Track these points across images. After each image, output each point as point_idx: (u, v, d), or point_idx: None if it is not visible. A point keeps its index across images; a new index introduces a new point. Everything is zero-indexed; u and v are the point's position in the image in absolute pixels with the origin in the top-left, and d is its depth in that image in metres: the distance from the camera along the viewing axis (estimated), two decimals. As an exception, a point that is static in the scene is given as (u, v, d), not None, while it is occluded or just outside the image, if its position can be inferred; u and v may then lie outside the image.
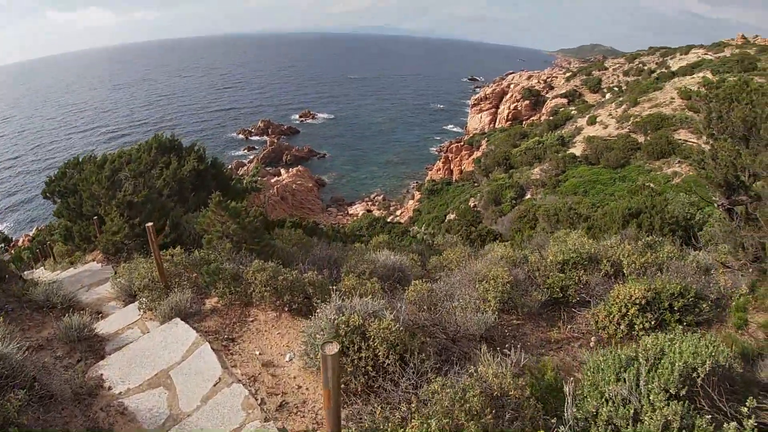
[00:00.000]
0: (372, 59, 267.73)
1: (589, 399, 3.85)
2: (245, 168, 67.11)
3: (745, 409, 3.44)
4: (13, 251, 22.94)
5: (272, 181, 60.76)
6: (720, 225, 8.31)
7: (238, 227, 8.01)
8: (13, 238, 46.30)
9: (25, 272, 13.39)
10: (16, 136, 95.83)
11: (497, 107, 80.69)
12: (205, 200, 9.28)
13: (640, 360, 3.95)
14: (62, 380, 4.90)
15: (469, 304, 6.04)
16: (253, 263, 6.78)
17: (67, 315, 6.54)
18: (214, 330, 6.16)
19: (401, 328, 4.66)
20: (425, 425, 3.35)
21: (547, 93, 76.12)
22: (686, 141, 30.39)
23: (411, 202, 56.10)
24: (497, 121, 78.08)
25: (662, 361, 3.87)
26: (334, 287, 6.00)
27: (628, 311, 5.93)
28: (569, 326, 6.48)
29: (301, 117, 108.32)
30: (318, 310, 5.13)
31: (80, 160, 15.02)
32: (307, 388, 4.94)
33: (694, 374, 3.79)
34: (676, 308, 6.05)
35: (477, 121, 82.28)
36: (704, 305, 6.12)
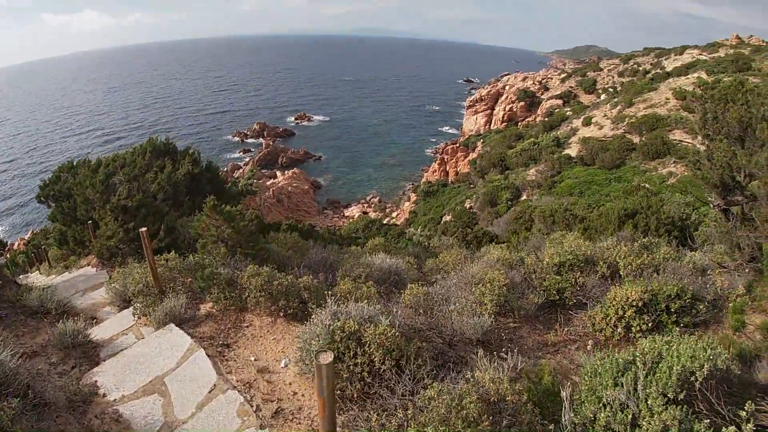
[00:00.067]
0: (367, 61, 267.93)
1: (586, 404, 3.82)
2: (241, 171, 66.98)
3: (744, 413, 3.42)
4: (8, 255, 22.80)
5: (268, 183, 60.66)
6: (716, 225, 8.31)
7: (232, 231, 7.97)
8: (9, 242, 46.13)
9: (21, 276, 13.31)
10: (11, 139, 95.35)
11: (492, 109, 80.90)
12: (200, 204, 9.22)
13: (638, 364, 3.92)
14: (56, 387, 4.85)
15: (466, 308, 6.02)
16: (248, 268, 6.74)
17: (61, 321, 6.47)
18: (209, 336, 6.11)
19: (397, 334, 4.63)
20: (422, 432, 3.32)
21: (542, 94, 76.38)
22: (681, 141, 30.50)
23: (407, 203, 56.07)
24: (493, 122, 78.27)
25: (660, 365, 3.85)
26: (330, 292, 5.96)
27: (624, 313, 5.92)
28: (566, 329, 6.46)
29: (296, 119, 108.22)
30: (313, 316, 5.09)
31: (74, 163, 14.92)
32: (302, 395, 4.90)
33: (692, 378, 3.76)
34: (673, 310, 6.04)
35: (472, 123, 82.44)
36: (701, 306, 6.11)
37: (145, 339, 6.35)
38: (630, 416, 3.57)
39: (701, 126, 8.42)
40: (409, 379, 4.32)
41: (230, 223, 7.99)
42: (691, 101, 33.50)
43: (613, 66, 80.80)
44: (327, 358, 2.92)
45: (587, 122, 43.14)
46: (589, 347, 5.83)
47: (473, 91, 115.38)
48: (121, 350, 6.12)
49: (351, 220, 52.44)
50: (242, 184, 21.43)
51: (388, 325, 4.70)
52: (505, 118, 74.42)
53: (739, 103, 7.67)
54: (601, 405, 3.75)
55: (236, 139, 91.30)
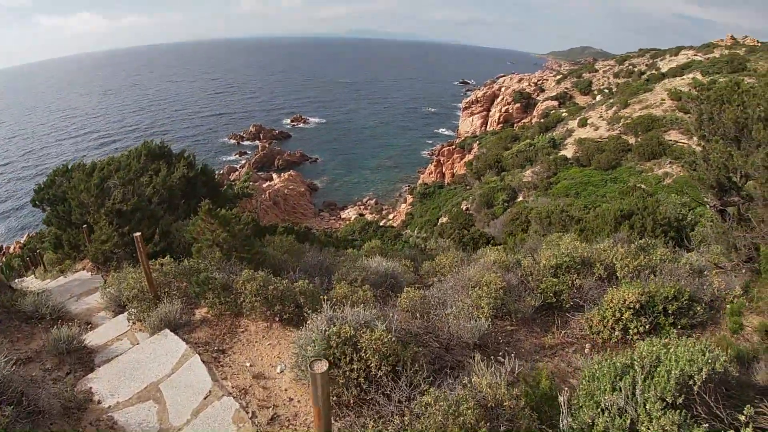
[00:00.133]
0: (363, 63, 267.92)
1: (584, 409, 3.79)
2: (237, 173, 66.85)
3: (743, 417, 3.39)
4: (4, 259, 22.68)
5: (264, 186, 60.55)
6: (712, 226, 8.32)
7: (228, 235, 7.92)
8: (4, 246, 45.94)
9: (16, 280, 13.24)
10: (7, 142, 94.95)
11: (488, 110, 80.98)
12: (195, 208, 9.18)
13: (636, 368, 3.90)
14: (51, 394, 4.81)
15: (462, 311, 5.99)
16: (243, 273, 6.69)
17: (56, 326, 6.43)
18: (204, 341, 6.06)
19: (393, 339, 4.59)
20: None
21: (537, 96, 76.49)
22: (677, 142, 30.57)
23: (403, 205, 56.04)
24: (489, 124, 78.32)
25: (658, 369, 3.82)
26: (326, 296, 5.92)
27: (622, 315, 5.90)
28: (563, 331, 6.44)
29: (292, 121, 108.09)
30: (309, 321, 5.05)
31: (69, 167, 14.84)
32: (298, 401, 4.86)
33: (690, 382, 3.74)
34: (670, 311, 6.04)
35: (468, 125, 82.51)
36: (698, 308, 6.11)
37: (140, 345, 6.30)
38: (628, 421, 3.55)
39: (697, 127, 8.42)
40: (406, 384, 4.28)
41: (225, 227, 7.94)
42: (686, 102, 33.60)
43: (608, 67, 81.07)
44: (321, 366, 2.88)
45: (583, 123, 43.20)
46: (586, 351, 5.80)
47: (469, 92, 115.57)
48: (116, 356, 6.07)
49: (347, 222, 52.44)
50: (238, 187, 21.35)
51: (384, 330, 4.66)
52: (501, 119, 74.49)
53: (734, 103, 7.67)
54: (599, 410, 3.73)
55: (232, 141, 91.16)
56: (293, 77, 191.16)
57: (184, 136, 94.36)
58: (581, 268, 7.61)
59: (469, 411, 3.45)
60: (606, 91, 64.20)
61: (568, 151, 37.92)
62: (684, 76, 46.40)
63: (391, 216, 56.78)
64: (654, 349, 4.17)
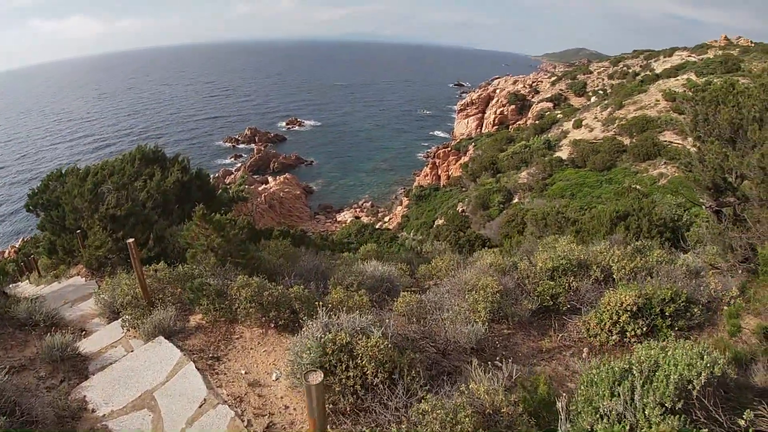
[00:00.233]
0: (358, 66, 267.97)
1: (583, 415, 3.75)
2: (232, 176, 66.75)
3: (743, 421, 3.37)
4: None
5: (260, 189, 60.44)
6: (708, 227, 8.32)
7: (222, 240, 7.86)
8: (-1, 250, 45.68)
9: (11, 285, 13.14)
10: (1, 146, 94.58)
11: (484, 112, 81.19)
12: (189, 212, 9.12)
13: (635, 373, 3.87)
14: (45, 403, 4.78)
15: (459, 316, 5.95)
16: (238, 279, 6.63)
17: (50, 333, 6.39)
18: (199, 348, 6.00)
19: (390, 345, 4.55)
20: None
21: (532, 97, 76.71)
22: (671, 142, 30.68)
23: (399, 208, 56.02)
24: (484, 126, 78.52)
25: (657, 373, 3.79)
26: (321, 302, 5.87)
27: (619, 318, 5.88)
28: (560, 335, 6.41)
29: (287, 124, 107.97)
30: (304, 328, 5.00)
31: (63, 172, 14.75)
32: (294, 409, 4.80)
33: (689, 386, 3.71)
34: (667, 314, 6.01)
35: (464, 127, 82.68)
36: (695, 309, 6.09)
37: (134, 352, 6.24)
38: (627, 427, 3.52)
39: (692, 128, 8.44)
40: (403, 391, 4.24)
41: (220, 232, 7.88)
42: (681, 103, 33.72)
43: (602, 68, 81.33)
44: (317, 378, 2.84)
45: (578, 125, 43.35)
46: (584, 355, 5.77)
47: (464, 95, 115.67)
48: (110, 364, 6.02)
49: (343, 225, 52.37)
50: (233, 191, 21.29)
51: (380, 336, 4.62)
52: (496, 121, 74.67)
53: (730, 104, 7.69)
54: (598, 416, 3.69)
55: (227, 144, 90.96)
56: (289, 80, 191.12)
57: (180, 139, 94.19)
58: (578, 271, 7.59)
59: (467, 419, 3.41)
60: (600, 92, 64.43)
61: (563, 153, 38.03)
62: (678, 77, 46.64)
63: (387, 218, 56.74)
64: (652, 352, 4.14)
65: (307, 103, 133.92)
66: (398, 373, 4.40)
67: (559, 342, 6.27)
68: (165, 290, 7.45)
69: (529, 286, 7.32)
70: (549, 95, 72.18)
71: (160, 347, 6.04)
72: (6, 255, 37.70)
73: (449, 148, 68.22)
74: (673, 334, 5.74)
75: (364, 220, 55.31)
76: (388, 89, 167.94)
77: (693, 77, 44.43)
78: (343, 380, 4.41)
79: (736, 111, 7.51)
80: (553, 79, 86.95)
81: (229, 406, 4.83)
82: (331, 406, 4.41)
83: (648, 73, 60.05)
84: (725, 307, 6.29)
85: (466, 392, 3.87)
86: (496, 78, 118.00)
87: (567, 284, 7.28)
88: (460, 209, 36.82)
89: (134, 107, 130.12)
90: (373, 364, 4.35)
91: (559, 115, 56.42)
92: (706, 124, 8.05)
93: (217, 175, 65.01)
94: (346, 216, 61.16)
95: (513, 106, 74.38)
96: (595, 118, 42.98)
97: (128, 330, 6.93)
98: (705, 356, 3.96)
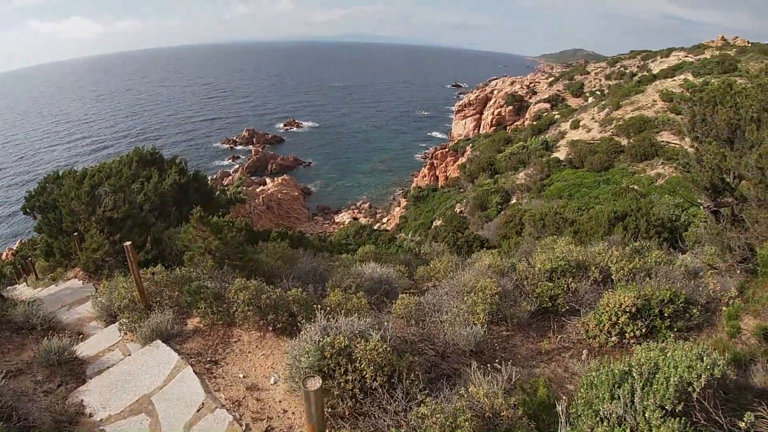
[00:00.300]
0: (356, 67, 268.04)
1: (583, 418, 3.74)
2: (230, 178, 66.67)
3: (743, 424, 3.36)
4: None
5: (258, 190, 60.41)
6: (707, 227, 8.32)
7: (220, 243, 7.83)
8: (-4, 253, 45.51)
9: (8, 288, 13.11)
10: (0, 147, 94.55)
11: (481, 113, 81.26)
12: (187, 214, 9.08)
13: (634, 375, 3.85)
14: (42, 408, 4.76)
15: (458, 318, 5.94)
16: (236, 282, 6.60)
17: (47, 337, 6.37)
18: (197, 352, 5.97)
19: (389, 349, 4.53)
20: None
21: (530, 98, 76.80)
22: (669, 143, 30.73)
23: (397, 209, 56.04)
24: (481, 126, 78.60)
25: (657, 376, 3.78)
26: (320, 305, 5.84)
27: (618, 320, 5.87)
28: (559, 336, 6.40)
29: (285, 126, 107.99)
30: (303, 332, 4.98)
31: (60, 174, 14.69)
32: (293, 413, 4.78)
33: (689, 389, 3.70)
34: (666, 315, 6.00)
35: (461, 128, 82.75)
36: (694, 310, 6.08)
37: (131, 356, 6.21)
38: (628, 430, 3.50)
39: (690, 128, 8.44)
40: (402, 395, 4.22)
41: (217, 235, 7.85)
42: (678, 103, 33.78)
43: (600, 69, 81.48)
44: (315, 384, 2.82)
45: (575, 125, 43.40)
46: (584, 356, 5.76)
47: (462, 95, 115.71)
48: (108, 368, 6.00)
49: (341, 226, 52.34)
50: (231, 192, 21.22)
51: (379, 339, 4.60)
52: (494, 122, 74.75)
53: (727, 105, 7.69)
54: (598, 419, 3.67)
55: (225, 146, 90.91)
56: (287, 81, 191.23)
57: (177, 141, 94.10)
58: (576, 272, 7.58)
59: (467, 423, 3.39)
60: (598, 93, 64.52)
61: (561, 153, 38.07)
62: (675, 78, 46.72)
63: (385, 219, 56.76)
64: (652, 354, 4.13)
65: (305, 105, 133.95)
66: (397, 376, 4.38)
67: (558, 343, 6.25)
68: (162, 293, 7.41)
69: (527, 287, 7.30)
70: (546, 96, 72.28)
71: (157, 351, 6.01)
72: (3, 257, 37.59)
73: (447, 149, 68.31)
74: (672, 335, 5.73)
75: (362, 221, 55.28)
76: (386, 90, 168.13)
77: (690, 78, 44.54)
78: (342, 384, 4.38)
79: (733, 111, 7.51)
80: (550, 79, 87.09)
81: (228, 410, 4.80)
82: (329, 410, 4.38)
83: (645, 73, 60.13)
84: (724, 308, 6.28)
85: (466, 396, 3.85)
86: (494, 79, 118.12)
87: (566, 285, 7.27)
88: (458, 210, 36.83)
89: (132, 109, 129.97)
90: (371, 367, 4.33)
91: (556, 116, 56.50)
92: (703, 124, 8.05)
93: (214, 176, 64.91)
94: (344, 217, 61.16)
95: (510, 107, 74.49)
96: (593, 118, 43.04)
97: (125, 333, 6.90)
98: (705, 358, 3.94)
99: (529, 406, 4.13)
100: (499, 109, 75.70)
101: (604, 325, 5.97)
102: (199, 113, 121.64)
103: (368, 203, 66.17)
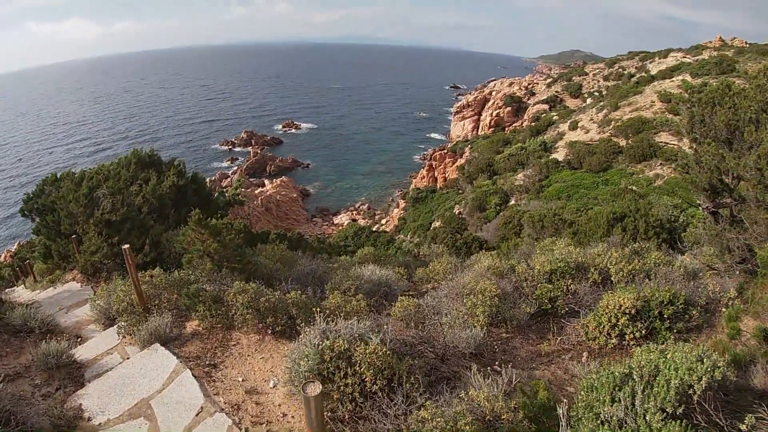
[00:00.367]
0: (355, 69, 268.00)
1: (584, 421, 3.72)
2: (229, 179, 66.63)
3: (744, 426, 3.35)
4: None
5: (256, 192, 60.34)
6: (705, 228, 8.31)
7: (218, 245, 7.81)
8: (-6, 255, 45.39)
9: (6, 290, 13.07)
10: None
11: (480, 114, 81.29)
12: (186, 217, 9.07)
13: (635, 378, 3.84)
14: (40, 412, 4.75)
15: (458, 320, 5.92)
16: (234, 285, 6.58)
17: (45, 340, 6.34)
18: (196, 355, 5.95)
19: (388, 352, 4.51)
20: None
21: (528, 99, 76.85)
22: (667, 143, 30.73)
23: (396, 210, 56.00)
24: (480, 128, 78.61)
25: (657, 378, 3.76)
26: (319, 307, 5.82)
27: (618, 321, 5.86)
28: (559, 338, 6.39)
29: (284, 127, 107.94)
30: (302, 335, 4.96)
31: (58, 176, 14.68)
32: (292, 416, 4.75)
33: (690, 391, 3.68)
34: (666, 316, 6.00)
35: (460, 129, 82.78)
36: (694, 312, 6.08)
37: (130, 359, 6.19)
38: (629, 433, 3.49)
39: (689, 129, 8.43)
40: (402, 398, 4.20)
41: (216, 237, 7.83)
42: (677, 104, 33.82)
43: (598, 70, 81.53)
44: (315, 389, 2.81)
45: (574, 126, 43.41)
46: (584, 358, 5.75)
47: (460, 97, 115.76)
48: (106, 371, 5.97)
49: (340, 227, 52.30)
50: (230, 194, 21.22)
51: (378, 343, 4.58)
52: (492, 123, 74.76)
53: (726, 106, 7.69)
54: (599, 422, 3.66)
55: (224, 147, 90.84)
56: (286, 82, 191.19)
57: (176, 142, 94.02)
58: (576, 273, 7.56)
59: (467, 426, 3.38)
60: (596, 94, 64.59)
61: (560, 154, 38.07)
62: (673, 79, 46.77)
63: (383, 221, 56.73)
64: (652, 356, 4.11)
65: (304, 106, 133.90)
66: (397, 380, 4.37)
67: (558, 345, 6.24)
68: (161, 296, 7.39)
69: (527, 289, 7.29)
70: (545, 97, 72.36)
71: (156, 354, 5.99)
72: (1, 259, 37.51)
73: (446, 151, 68.31)
74: (672, 336, 5.72)
75: (361, 222, 55.24)
76: (385, 92, 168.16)
77: (688, 78, 44.59)
78: (342, 388, 4.36)
79: (732, 112, 7.50)
80: (548, 81, 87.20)
81: (227, 414, 4.78)
82: (329, 414, 4.36)
83: (643, 74, 60.20)
84: (723, 309, 6.28)
85: (466, 399, 3.83)
86: (492, 80, 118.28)
87: (565, 287, 7.26)
88: (457, 211, 36.79)
89: (130, 110, 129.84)
90: (371, 371, 4.31)
91: (555, 117, 56.52)
92: (702, 125, 8.04)
93: (213, 178, 64.87)
94: (342, 219, 61.13)
95: (509, 108, 74.53)
96: (591, 119, 43.05)
97: (124, 337, 6.88)
98: (705, 360, 3.93)
99: (529, 409, 4.12)
100: (497, 111, 75.73)
101: (603, 327, 5.96)
102: (197, 115, 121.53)
103: (367, 205, 66.14)
